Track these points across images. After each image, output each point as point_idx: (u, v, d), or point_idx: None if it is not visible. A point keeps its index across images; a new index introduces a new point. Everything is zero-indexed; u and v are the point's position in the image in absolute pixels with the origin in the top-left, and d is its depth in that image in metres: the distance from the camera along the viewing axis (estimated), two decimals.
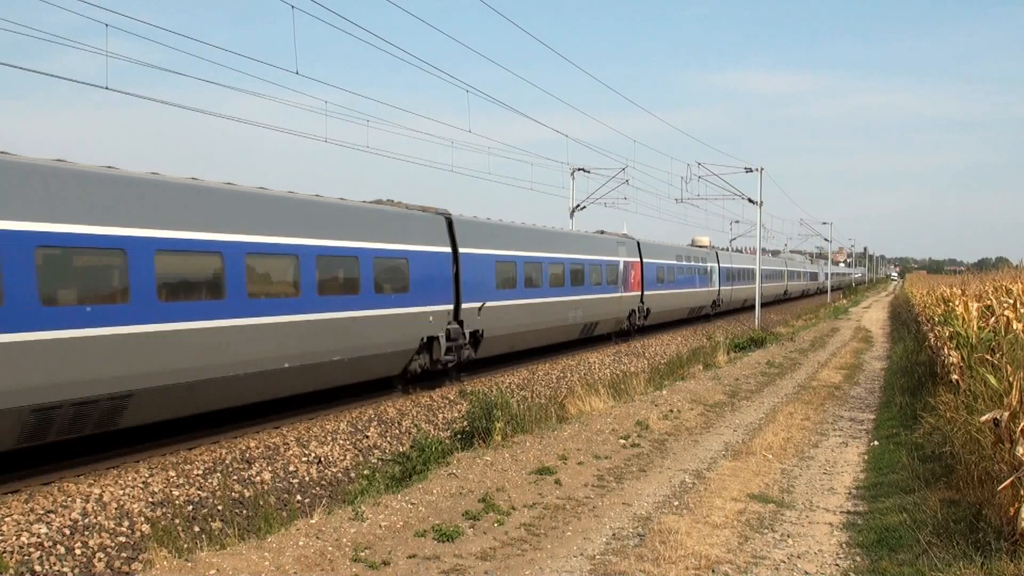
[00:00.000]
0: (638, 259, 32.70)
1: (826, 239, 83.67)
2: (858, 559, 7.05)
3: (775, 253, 73.56)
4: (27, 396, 10.14)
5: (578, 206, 39.36)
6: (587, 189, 64.80)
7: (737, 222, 63.85)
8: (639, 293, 32.92)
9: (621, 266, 30.76)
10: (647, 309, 33.58)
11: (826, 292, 75.35)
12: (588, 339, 29.32)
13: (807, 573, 6.77)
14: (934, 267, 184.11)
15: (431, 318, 18.23)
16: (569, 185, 38.94)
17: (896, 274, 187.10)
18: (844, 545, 7.49)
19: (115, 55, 14.90)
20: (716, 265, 44.49)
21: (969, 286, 23.07)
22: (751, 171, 38.05)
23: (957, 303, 16.37)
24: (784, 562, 7.02)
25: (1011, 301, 14.24)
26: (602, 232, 31.95)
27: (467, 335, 19.66)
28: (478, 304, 20.16)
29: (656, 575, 6.61)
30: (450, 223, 19.54)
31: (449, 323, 18.98)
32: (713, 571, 6.70)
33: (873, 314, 50.39)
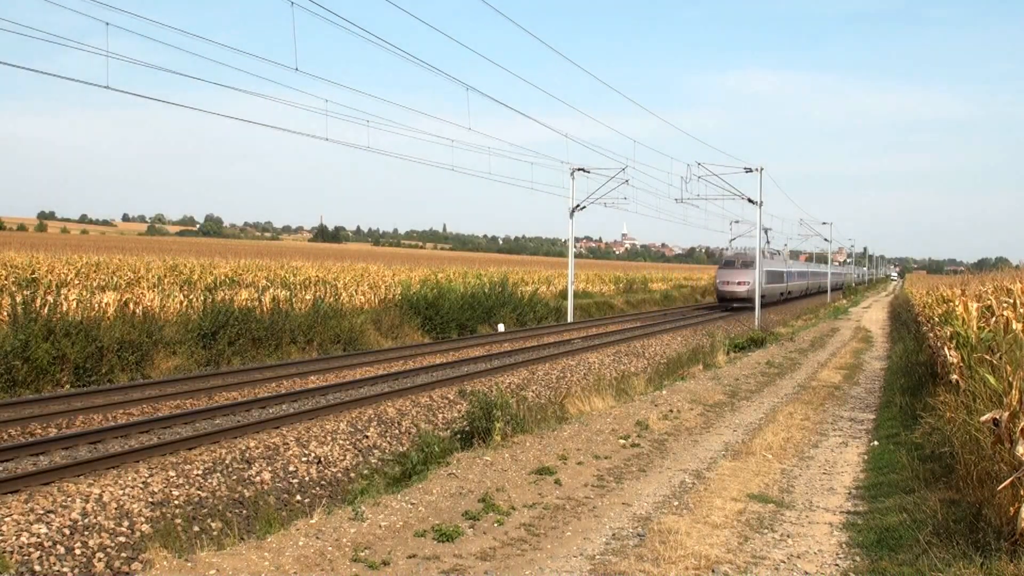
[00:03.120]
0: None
1: (826, 239, 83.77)
2: (858, 559, 7.06)
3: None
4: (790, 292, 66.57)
5: (578, 206, 39.41)
6: (587, 189, 64.87)
7: (737, 222, 63.71)
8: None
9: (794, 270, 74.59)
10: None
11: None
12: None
13: (807, 573, 6.78)
14: (934, 267, 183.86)
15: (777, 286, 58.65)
16: (569, 185, 38.99)
17: (896, 274, 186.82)
18: (844, 545, 7.49)
19: (116, 55, 14.95)
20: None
21: (969, 286, 23.00)
22: (751, 171, 38.11)
23: (957, 303, 16.32)
24: (784, 562, 7.03)
25: (1011, 301, 14.19)
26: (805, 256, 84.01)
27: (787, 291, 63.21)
28: (783, 284, 60.60)
29: (656, 575, 6.61)
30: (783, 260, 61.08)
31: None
32: (713, 571, 6.70)
33: (873, 314, 50.43)
